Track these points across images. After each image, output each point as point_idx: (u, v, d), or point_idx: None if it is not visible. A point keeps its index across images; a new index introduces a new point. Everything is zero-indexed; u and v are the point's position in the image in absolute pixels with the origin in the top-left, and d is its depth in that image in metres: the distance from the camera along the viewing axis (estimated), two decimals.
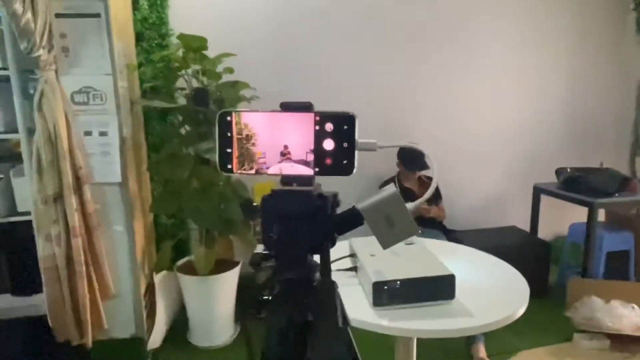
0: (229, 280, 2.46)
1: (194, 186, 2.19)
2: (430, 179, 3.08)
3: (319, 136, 0.49)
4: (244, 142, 0.51)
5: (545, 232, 3.27)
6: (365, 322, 1.23)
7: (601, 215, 2.94)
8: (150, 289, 2.36)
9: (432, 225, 2.89)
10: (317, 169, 0.50)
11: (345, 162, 0.49)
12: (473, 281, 1.45)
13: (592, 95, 3.50)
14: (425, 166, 2.86)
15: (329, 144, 0.49)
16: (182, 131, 2.35)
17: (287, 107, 0.50)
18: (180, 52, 2.22)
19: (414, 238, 1.61)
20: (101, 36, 1.91)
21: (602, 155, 3.36)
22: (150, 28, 2.51)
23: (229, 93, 2.30)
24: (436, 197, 3.01)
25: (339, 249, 1.71)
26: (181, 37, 2.13)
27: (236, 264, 2.51)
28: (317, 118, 0.49)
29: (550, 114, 3.48)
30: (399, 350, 1.62)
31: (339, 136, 0.49)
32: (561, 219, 3.33)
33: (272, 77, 2.88)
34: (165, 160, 2.16)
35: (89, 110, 1.96)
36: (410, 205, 0.51)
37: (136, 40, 2.44)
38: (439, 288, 1.32)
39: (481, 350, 2.25)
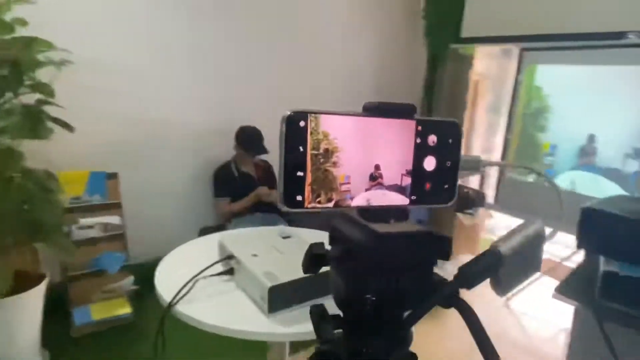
0: (33, 300, 1.89)
1: None
2: (265, 162, 3.02)
3: (420, 152, 0.36)
4: (322, 160, 0.33)
5: None
6: (262, 332, 1.10)
7: None
8: None
9: (270, 209, 2.86)
10: (413, 197, 0.37)
11: (446, 186, 0.37)
12: None
13: (391, 90, 4.04)
14: (264, 150, 2.79)
15: (430, 163, 0.36)
16: None
17: (383, 110, 0.34)
18: None
19: (290, 230, 1.53)
20: None
21: None
22: None
23: (23, 53, 1.70)
24: (274, 181, 2.98)
25: (203, 245, 1.51)
26: None
27: (42, 277, 1.94)
28: (420, 128, 0.35)
29: (359, 106, 3.86)
30: (272, 349, 1.55)
31: (442, 152, 0.36)
32: None
33: (88, 36, 2.28)
34: None
35: None
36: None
37: None
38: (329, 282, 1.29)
39: None
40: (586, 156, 2.66)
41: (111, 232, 2.35)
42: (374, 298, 0.34)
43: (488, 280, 0.39)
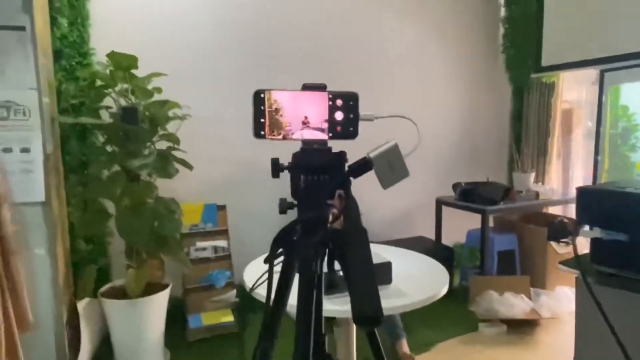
0: (159, 303, 2.39)
1: (125, 204, 2.14)
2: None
3: (331, 109, 0.65)
4: (274, 113, 0.64)
5: (447, 239, 3.71)
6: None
7: (490, 221, 3.44)
8: (73, 317, 2.19)
9: None
10: (330, 134, 0.66)
11: (351, 129, 0.65)
12: (403, 270, 1.66)
13: (477, 122, 4.14)
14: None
15: (339, 116, 0.65)
16: (108, 149, 2.30)
17: (307, 87, 0.65)
18: (107, 70, 2.21)
19: None
20: (25, 50, 1.85)
21: (488, 171, 3.97)
22: (70, 46, 2.43)
23: (159, 111, 2.32)
24: None
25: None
26: (111, 55, 2.12)
27: (166, 285, 2.45)
28: (330, 96, 0.65)
29: (446, 137, 4.02)
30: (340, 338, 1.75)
31: (346, 109, 0.65)
32: (459, 226, 3.81)
33: (205, 97, 2.93)
34: (94, 179, 2.09)
35: (9, 126, 1.85)
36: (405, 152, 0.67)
37: (54, 58, 2.35)
38: (378, 274, 1.51)
39: (404, 346, 2.47)
40: None
41: (220, 254, 2.84)
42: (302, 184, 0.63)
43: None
